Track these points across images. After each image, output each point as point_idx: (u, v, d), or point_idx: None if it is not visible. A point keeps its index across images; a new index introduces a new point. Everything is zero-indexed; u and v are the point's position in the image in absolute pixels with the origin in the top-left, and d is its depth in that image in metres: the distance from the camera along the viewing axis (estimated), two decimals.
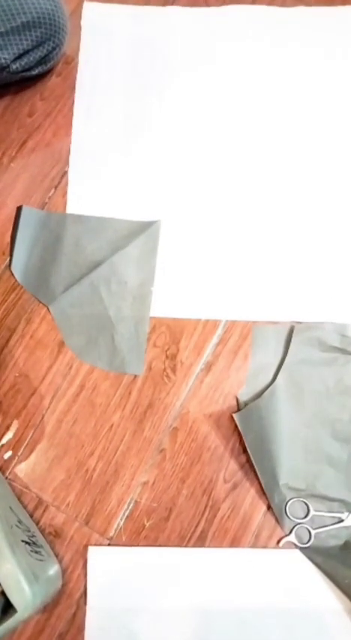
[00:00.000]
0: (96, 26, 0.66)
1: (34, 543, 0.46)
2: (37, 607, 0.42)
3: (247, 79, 0.64)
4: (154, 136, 0.62)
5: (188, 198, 0.59)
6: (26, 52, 0.57)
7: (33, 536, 0.47)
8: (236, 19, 0.66)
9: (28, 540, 0.46)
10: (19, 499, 0.51)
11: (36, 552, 0.45)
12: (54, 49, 0.59)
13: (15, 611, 0.40)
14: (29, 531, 0.47)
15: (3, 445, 0.52)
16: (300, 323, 0.55)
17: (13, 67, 0.57)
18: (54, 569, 0.47)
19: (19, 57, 0.57)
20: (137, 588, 0.49)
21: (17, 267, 0.57)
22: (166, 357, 0.55)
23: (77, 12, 0.66)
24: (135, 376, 0.54)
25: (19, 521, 0.47)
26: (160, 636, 0.48)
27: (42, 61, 0.60)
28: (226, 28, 0.65)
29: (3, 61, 0.56)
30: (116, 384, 0.54)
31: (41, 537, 0.49)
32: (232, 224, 0.58)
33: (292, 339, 0.53)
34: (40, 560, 0.45)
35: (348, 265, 0.57)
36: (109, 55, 0.65)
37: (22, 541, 0.45)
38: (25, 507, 0.51)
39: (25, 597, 0.41)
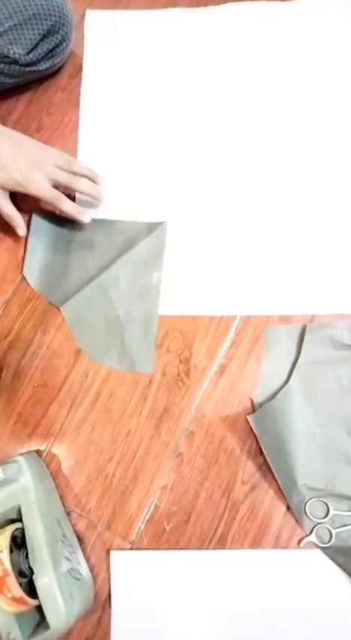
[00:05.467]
0: (99, 34, 0.68)
1: (74, 560, 0.47)
2: (69, 626, 0.42)
3: (251, 76, 0.64)
4: (159, 139, 0.63)
5: (195, 196, 0.60)
6: (35, 45, 0.59)
7: (74, 552, 0.48)
8: (237, 16, 0.66)
9: (70, 557, 0.46)
10: None
11: (75, 570, 0.46)
12: (61, 42, 0.61)
13: (48, 627, 0.41)
14: (71, 547, 0.48)
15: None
16: (313, 319, 0.55)
17: (23, 59, 0.59)
18: (90, 592, 0.47)
19: (30, 50, 0.59)
20: (160, 591, 0.49)
21: (29, 272, 0.59)
22: (180, 361, 0.55)
23: (80, 24, 0.67)
24: (150, 382, 0.55)
25: (64, 536, 0.48)
26: (184, 638, 0.48)
27: (50, 54, 0.61)
28: (228, 26, 0.66)
29: (17, 55, 0.58)
30: (132, 391, 0.55)
31: (81, 553, 0.50)
32: (241, 219, 0.59)
33: (305, 339, 0.53)
34: (78, 579, 0.46)
35: None
36: (113, 62, 0.66)
37: (65, 557, 0.45)
38: None
39: (59, 617, 0.41)
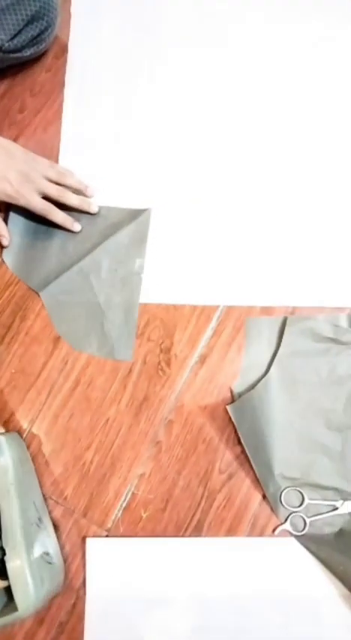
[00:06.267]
0: (86, 14, 0.66)
1: (47, 545, 0.47)
2: (37, 609, 0.42)
3: (240, 58, 0.63)
4: (145, 122, 0.62)
5: (180, 184, 0.59)
6: (19, 31, 0.57)
7: (48, 536, 0.48)
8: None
9: (43, 541, 0.46)
10: None
11: (47, 554, 0.46)
12: (46, 28, 0.59)
13: (15, 609, 0.41)
14: (46, 531, 0.48)
15: None
16: (294, 311, 0.55)
17: (6, 45, 0.57)
18: (60, 577, 0.47)
19: (14, 36, 0.57)
20: (135, 578, 0.49)
21: (8, 256, 0.58)
22: (161, 350, 0.55)
23: (66, 3, 0.66)
24: (130, 370, 0.55)
25: (40, 519, 0.47)
26: (159, 625, 0.48)
27: (35, 40, 0.60)
28: (217, 6, 0.65)
29: (0, 42, 0.56)
30: (112, 379, 0.54)
31: (55, 537, 0.49)
32: (225, 210, 0.59)
33: (285, 330, 0.54)
34: (49, 563, 0.46)
35: (343, 251, 0.57)
36: (100, 43, 0.65)
37: (38, 541, 0.45)
38: None
39: (29, 600, 0.41)
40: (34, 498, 0.48)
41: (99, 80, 0.63)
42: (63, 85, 0.63)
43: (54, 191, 0.55)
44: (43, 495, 0.51)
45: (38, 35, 0.59)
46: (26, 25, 0.57)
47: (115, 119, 0.62)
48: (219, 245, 0.58)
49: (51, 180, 0.55)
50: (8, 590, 0.42)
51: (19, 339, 0.55)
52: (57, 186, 0.55)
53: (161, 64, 0.64)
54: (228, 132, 0.61)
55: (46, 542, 0.47)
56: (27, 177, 0.53)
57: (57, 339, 0.55)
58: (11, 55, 0.59)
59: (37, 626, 0.49)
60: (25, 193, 0.53)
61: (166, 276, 0.57)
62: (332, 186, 0.59)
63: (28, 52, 0.60)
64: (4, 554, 0.42)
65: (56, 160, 0.60)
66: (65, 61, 0.64)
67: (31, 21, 0.57)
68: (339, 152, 0.60)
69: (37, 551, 0.44)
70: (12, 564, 0.42)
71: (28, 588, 0.41)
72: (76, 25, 0.65)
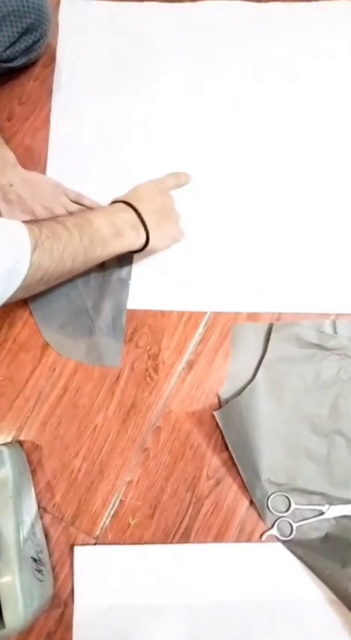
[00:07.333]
0: (74, 23, 0.67)
1: (39, 560, 0.46)
2: (24, 628, 0.42)
3: (225, 72, 0.64)
4: (132, 130, 0.62)
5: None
6: (14, 42, 0.58)
7: (41, 552, 0.48)
8: (212, 14, 0.66)
9: (36, 557, 0.46)
10: None
11: (39, 571, 0.45)
12: (39, 39, 0.60)
13: (3, 626, 0.40)
14: (39, 546, 0.48)
15: None
16: (279, 318, 0.56)
17: (0, 56, 0.57)
18: (49, 594, 0.47)
19: (8, 47, 0.58)
20: (124, 586, 0.49)
21: None
22: (148, 357, 0.55)
23: (55, 12, 0.66)
24: (118, 377, 0.55)
25: (34, 534, 0.47)
26: (147, 632, 0.48)
27: (27, 51, 0.60)
28: (203, 23, 0.66)
29: None
30: (99, 386, 0.55)
31: (46, 553, 0.49)
32: (213, 218, 0.59)
33: (271, 337, 0.54)
34: (40, 580, 0.45)
35: (328, 258, 0.58)
36: (87, 52, 0.65)
37: (31, 557, 0.45)
38: None
39: (17, 618, 0.41)
40: (30, 513, 0.48)
41: (86, 88, 0.64)
42: (51, 93, 0.64)
43: None
44: None
45: (31, 46, 0.60)
46: (21, 36, 0.58)
47: (102, 127, 0.63)
48: (206, 252, 0.58)
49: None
50: None
51: (7, 347, 0.55)
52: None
53: (148, 72, 0.64)
54: (216, 140, 0.62)
55: (39, 558, 0.46)
56: (51, 212, 0.54)
57: (45, 347, 0.55)
58: (3, 65, 0.59)
59: (25, 636, 0.48)
60: None
61: (154, 283, 0.57)
62: (319, 195, 0.60)
63: (20, 62, 0.61)
64: None
65: (44, 167, 0.61)
66: (53, 70, 0.65)
67: (25, 32, 0.58)
68: (327, 161, 0.61)
69: (30, 568, 0.44)
70: (3, 580, 0.41)
71: (18, 606, 0.41)
72: (64, 34, 0.66)
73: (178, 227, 0.56)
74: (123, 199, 0.53)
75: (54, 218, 0.49)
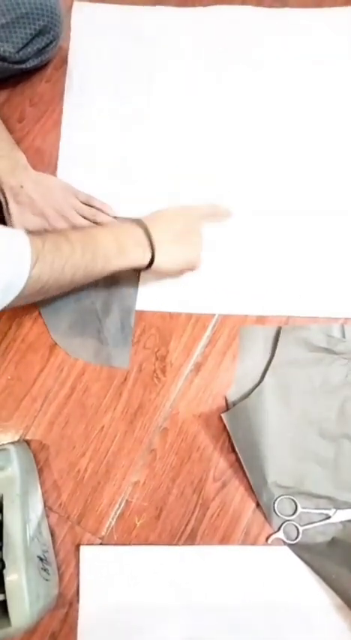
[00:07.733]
0: (86, 26, 0.67)
1: (45, 559, 0.46)
2: (30, 626, 0.42)
3: (235, 77, 0.65)
4: (143, 132, 0.63)
5: (176, 192, 0.60)
6: (27, 43, 0.58)
7: (46, 551, 0.48)
8: (223, 19, 0.67)
9: (42, 556, 0.46)
10: None
11: (44, 570, 0.45)
12: (52, 41, 0.60)
13: (9, 624, 0.40)
14: (45, 545, 0.48)
15: None
16: (288, 321, 0.56)
17: (13, 56, 0.58)
18: (54, 593, 0.47)
19: (21, 48, 0.58)
20: (129, 587, 0.49)
21: None
22: (156, 358, 0.56)
23: (67, 15, 0.67)
24: (125, 378, 0.55)
25: (40, 533, 0.47)
26: (151, 633, 0.48)
27: (39, 53, 0.61)
28: (213, 27, 0.66)
29: (8, 53, 0.57)
30: (107, 386, 0.55)
31: (52, 552, 0.49)
32: (223, 222, 0.59)
33: (280, 340, 0.54)
34: (46, 579, 0.45)
35: (337, 262, 0.58)
36: (99, 55, 0.66)
37: (37, 556, 0.45)
38: None
39: (24, 616, 0.41)
40: (37, 512, 0.48)
41: (98, 90, 0.64)
42: (62, 95, 0.64)
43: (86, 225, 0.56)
44: None
45: (43, 48, 0.60)
46: (33, 38, 0.59)
47: (113, 129, 0.63)
48: (215, 255, 0.58)
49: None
50: (3, 604, 0.42)
51: (15, 346, 0.56)
52: (88, 222, 0.56)
53: (159, 76, 0.65)
54: (225, 142, 0.62)
55: (45, 557, 0.46)
56: (62, 214, 0.55)
57: (53, 346, 0.56)
58: (15, 66, 0.60)
59: (30, 636, 0.48)
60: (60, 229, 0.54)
61: (163, 285, 0.57)
62: (326, 198, 0.60)
63: (32, 64, 0.61)
64: (3, 566, 0.42)
65: (54, 169, 0.61)
66: (65, 72, 0.65)
67: (38, 34, 0.59)
68: (331, 162, 0.61)
69: (36, 567, 0.44)
70: (10, 578, 0.41)
71: (24, 604, 0.41)
72: (75, 36, 0.66)
73: (196, 253, 0.54)
74: (140, 218, 0.53)
75: (59, 231, 0.50)
